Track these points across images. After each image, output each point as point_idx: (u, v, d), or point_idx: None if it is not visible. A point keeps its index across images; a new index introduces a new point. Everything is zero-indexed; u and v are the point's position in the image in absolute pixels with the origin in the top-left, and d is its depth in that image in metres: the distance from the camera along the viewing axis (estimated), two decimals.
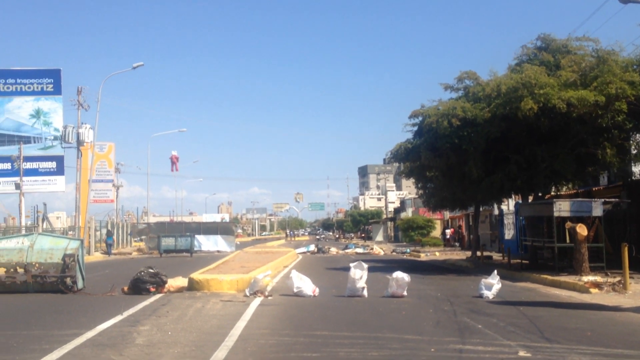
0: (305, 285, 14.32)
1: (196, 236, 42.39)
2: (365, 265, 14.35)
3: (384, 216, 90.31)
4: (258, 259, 25.68)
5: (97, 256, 38.38)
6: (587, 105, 18.81)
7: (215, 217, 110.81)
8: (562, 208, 19.23)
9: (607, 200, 20.35)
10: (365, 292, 14.07)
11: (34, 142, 41.86)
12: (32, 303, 13.33)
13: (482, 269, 22.69)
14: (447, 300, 13.54)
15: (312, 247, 44.09)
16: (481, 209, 33.99)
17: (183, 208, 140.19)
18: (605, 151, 20.55)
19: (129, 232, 58.11)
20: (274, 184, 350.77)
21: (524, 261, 22.86)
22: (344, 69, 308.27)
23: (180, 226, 50.26)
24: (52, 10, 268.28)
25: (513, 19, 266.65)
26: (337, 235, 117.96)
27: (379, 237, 75.01)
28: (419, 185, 30.66)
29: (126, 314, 11.30)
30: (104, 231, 46.42)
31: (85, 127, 40.16)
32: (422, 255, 36.10)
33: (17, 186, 39.30)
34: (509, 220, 34.64)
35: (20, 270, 14.97)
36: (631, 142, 21.77)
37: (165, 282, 14.81)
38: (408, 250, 42.06)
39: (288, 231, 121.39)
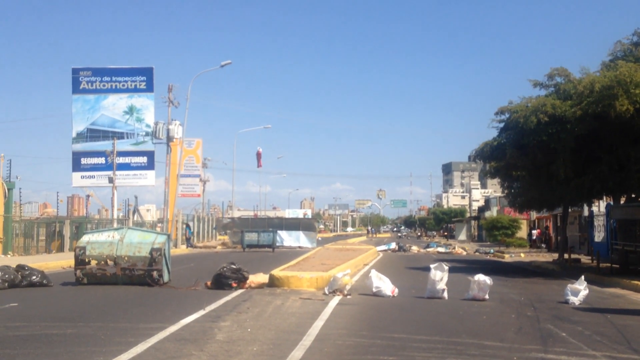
0: (385, 285, 14.27)
1: (278, 232, 42.99)
2: (446, 267, 14.15)
3: (468, 215, 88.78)
4: (338, 256, 25.76)
5: (183, 249, 39.73)
6: None
7: (298, 212, 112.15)
8: None
9: None
10: (445, 294, 13.87)
11: (127, 137, 43.44)
12: (120, 295, 13.88)
13: (569, 272, 21.86)
14: (531, 305, 13.15)
15: (393, 245, 43.74)
16: (570, 209, 32.74)
17: (267, 203, 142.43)
18: None
19: (214, 226, 59.67)
20: (357, 180, 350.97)
21: (614, 265, 21.87)
22: (432, 64, 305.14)
23: (263, 222, 51.07)
24: (143, 10, 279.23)
25: (606, 14, 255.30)
26: (419, 233, 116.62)
27: (462, 236, 73.74)
28: (505, 185, 29.94)
29: (208, 309, 11.58)
30: (191, 224, 47.95)
31: (175, 124, 41.72)
32: (507, 256, 35.20)
33: (110, 180, 41.04)
34: (599, 222, 33.22)
35: (110, 263, 15.63)
36: None
37: (246, 278, 15.10)
38: (492, 250, 41.11)
39: (369, 228, 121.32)
